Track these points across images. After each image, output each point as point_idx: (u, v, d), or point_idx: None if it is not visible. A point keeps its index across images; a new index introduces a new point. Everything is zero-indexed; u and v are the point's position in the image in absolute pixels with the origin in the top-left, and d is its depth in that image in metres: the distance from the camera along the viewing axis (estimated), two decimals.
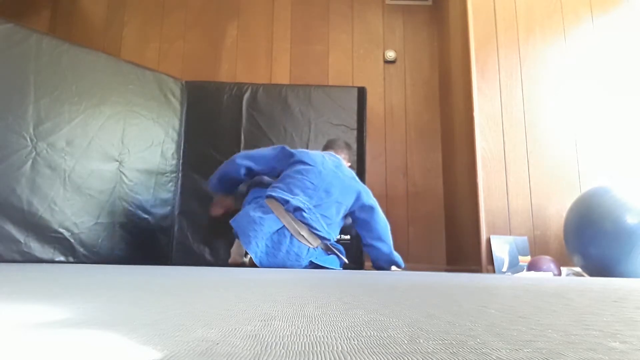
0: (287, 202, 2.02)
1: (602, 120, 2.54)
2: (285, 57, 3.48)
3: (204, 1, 3.58)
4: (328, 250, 2.12)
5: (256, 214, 2.02)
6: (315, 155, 2.21)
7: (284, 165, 2.20)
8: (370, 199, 2.20)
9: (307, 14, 3.56)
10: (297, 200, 2.02)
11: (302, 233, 2.02)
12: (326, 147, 2.46)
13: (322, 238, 2.07)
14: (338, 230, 2.20)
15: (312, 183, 2.09)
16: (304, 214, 2.01)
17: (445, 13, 3.29)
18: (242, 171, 2.25)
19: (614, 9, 2.66)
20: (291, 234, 2.00)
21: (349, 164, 2.46)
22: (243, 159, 2.26)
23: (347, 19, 3.56)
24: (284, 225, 2.00)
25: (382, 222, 2.20)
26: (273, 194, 2.06)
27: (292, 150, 2.23)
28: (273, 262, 2.01)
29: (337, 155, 2.33)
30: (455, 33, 3.00)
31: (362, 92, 3.00)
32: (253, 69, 3.45)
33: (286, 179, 2.12)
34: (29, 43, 2.18)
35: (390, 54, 3.48)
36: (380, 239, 2.19)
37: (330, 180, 2.12)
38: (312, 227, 2.02)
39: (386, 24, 3.56)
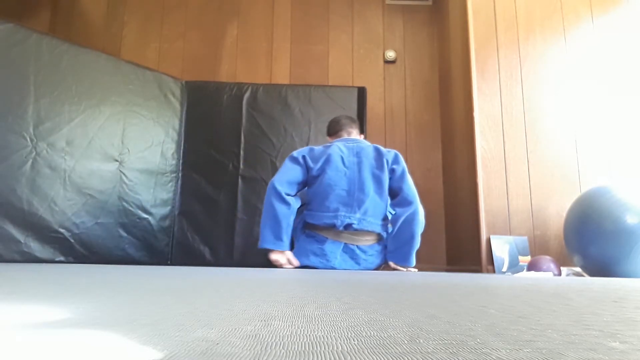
0: (333, 225, 1.97)
1: (602, 120, 2.54)
2: (285, 57, 3.48)
3: (204, 1, 3.58)
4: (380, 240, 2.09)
5: (313, 247, 1.99)
6: (331, 155, 2.03)
7: (306, 176, 2.05)
8: (398, 164, 2.07)
9: (307, 14, 3.56)
10: (341, 217, 1.97)
11: (365, 238, 2.01)
12: (334, 134, 2.24)
13: (380, 231, 2.05)
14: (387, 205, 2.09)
15: (344, 190, 1.99)
16: (355, 226, 1.97)
17: (445, 13, 3.29)
18: (292, 201, 1.99)
19: (614, 9, 2.66)
20: (357, 245, 1.99)
21: (363, 135, 2.33)
22: (283, 190, 1.96)
23: (347, 19, 3.56)
24: (346, 243, 1.99)
25: (411, 186, 2.05)
26: (316, 222, 2.01)
27: (308, 161, 2.04)
28: (357, 268, 2.01)
29: (351, 138, 2.18)
30: (455, 33, 3.00)
31: (362, 92, 3.00)
32: (253, 69, 3.45)
33: (318, 197, 2.01)
34: (29, 43, 2.18)
35: (390, 54, 3.48)
36: (408, 203, 2.00)
37: (359, 176, 2.01)
38: (368, 231, 2.01)
39: (386, 24, 3.56)
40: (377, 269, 2.09)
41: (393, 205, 2.06)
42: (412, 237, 2.00)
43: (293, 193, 2.03)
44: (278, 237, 1.94)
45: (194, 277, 1.13)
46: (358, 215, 1.97)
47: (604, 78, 2.58)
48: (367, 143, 2.17)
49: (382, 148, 2.12)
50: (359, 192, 1.99)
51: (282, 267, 1.97)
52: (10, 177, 2.06)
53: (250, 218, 2.74)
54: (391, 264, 2.07)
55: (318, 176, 2.02)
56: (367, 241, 2.02)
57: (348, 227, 1.98)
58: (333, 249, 1.98)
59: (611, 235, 1.89)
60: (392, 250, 2.03)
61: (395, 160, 2.09)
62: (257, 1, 3.58)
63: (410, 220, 2.00)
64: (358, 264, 2.01)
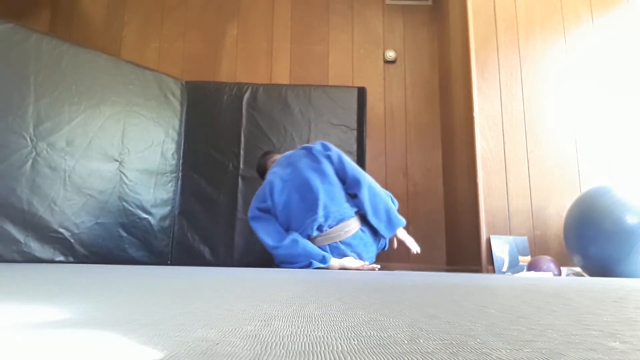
0: (308, 236, 1.98)
1: (602, 120, 2.54)
2: (285, 57, 3.48)
3: (204, 1, 3.58)
4: (365, 221, 2.06)
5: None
6: (270, 182, 2.06)
7: (273, 213, 2.08)
8: (330, 150, 2.11)
9: (307, 14, 3.56)
10: (310, 225, 1.96)
11: (345, 230, 1.99)
12: (265, 171, 2.29)
13: (356, 214, 2.04)
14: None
15: (297, 201, 1.99)
16: (324, 224, 1.97)
17: (445, 13, 3.29)
18: (289, 234, 2.02)
19: (614, 9, 2.66)
20: (340, 241, 1.99)
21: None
22: (279, 242, 1.98)
23: (347, 19, 3.56)
24: (328, 245, 1.99)
25: (353, 166, 2.08)
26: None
27: (261, 206, 2.08)
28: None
29: (276, 160, 2.23)
30: (455, 33, 3.00)
31: (362, 92, 3.00)
32: (253, 69, 3.45)
33: (285, 223, 2.03)
34: (29, 43, 2.18)
35: (390, 54, 3.48)
36: (357, 182, 2.02)
37: (301, 178, 2.02)
38: (340, 221, 1.99)
39: (386, 24, 3.56)
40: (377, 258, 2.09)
41: (347, 190, 2.06)
42: (385, 204, 2.03)
43: (285, 235, 2.02)
44: (319, 257, 1.93)
45: (194, 277, 1.13)
46: (321, 213, 1.96)
47: (604, 78, 2.58)
48: (293, 151, 2.20)
49: (307, 144, 2.17)
50: (308, 193, 1.99)
51: (362, 268, 1.95)
52: (10, 177, 2.06)
53: None
54: (397, 235, 2.05)
55: (275, 209, 2.04)
56: (347, 232, 2.00)
57: (320, 229, 1.97)
58: (317, 253, 1.96)
59: (611, 235, 1.89)
60: (383, 228, 2.03)
61: (325, 148, 2.12)
62: (257, 1, 3.58)
63: (373, 195, 2.02)
64: (360, 257, 2.01)
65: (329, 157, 2.08)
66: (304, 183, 2.01)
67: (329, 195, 2.00)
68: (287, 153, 2.23)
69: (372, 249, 2.06)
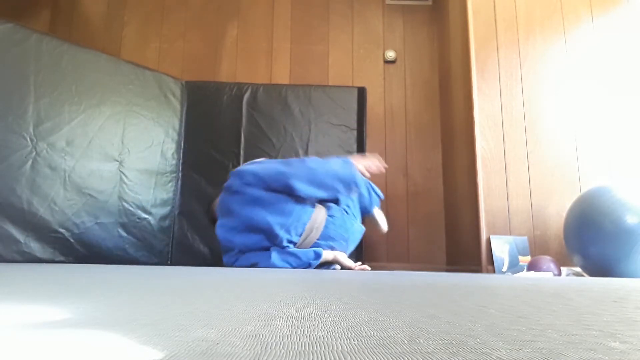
0: (285, 247, 1.99)
1: (602, 120, 2.54)
2: (285, 57, 3.48)
3: (204, 1, 3.58)
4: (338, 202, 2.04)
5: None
6: (220, 236, 2.04)
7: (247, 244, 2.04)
8: (240, 175, 2.03)
9: (307, 14, 3.56)
10: (282, 245, 1.95)
11: (315, 228, 1.98)
12: (215, 220, 2.20)
13: (315, 206, 2.03)
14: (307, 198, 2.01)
15: (257, 234, 1.95)
16: (291, 237, 1.95)
17: (445, 13, 3.29)
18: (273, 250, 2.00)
19: (614, 9, 2.66)
20: (317, 240, 1.98)
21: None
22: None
23: (347, 19, 3.56)
24: (315, 249, 1.99)
25: (270, 171, 2.00)
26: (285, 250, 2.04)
27: (232, 253, 2.07)
28: (346, 242, 2.02)
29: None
30: (455, 33, 3.00)
31: (362, 92, 3.00)
32: (253, 69, 3.45)
33: (264, 251, 2.03)
34: (29, 43, 2.18)
35: (390, 54, 3.48)
36: (286, 186, 1.93)
37: (243, 220, 1.96)
38: (305, 223, 1.97)
39: (386, 24, 3.56)
40: (366, 219, 2.09)
41: (290, 193, 1.99)
42: (327, 172, 1.98)
43: (269, 254, 1.99)
44: (312, 256, 1.92)
45: (194, 277, 1.13)
46: (281, 233, 1.92)
47: (604, 78, 2.58)
48: (222, 193, 2.12)
49: (226, 183, 2.09)
50: (258, 225, 1.94)
51: (354, 268, 1.97)
52: (10, 177, 2.06)
53: None
54: (360, 171, 2.03)
55: (245, 250, 2.01)
56: (318, 228, 1.97)
57: (291, 242, 1.95)
58: (308, 252, 1.96)
59: (611, 235, 1.89)
60: (344, 192, 2.00)
61: (240, 177, 2.04)
62: (257, 1, 3.58)
63: (309, 180, 1.96)
64: (344, 240, 2.00)
65: (248, 184, 2.00)
66: (248, 220, 1.96)
67: (278, 212, 1.94)
68: (218, 199, 2.14)
69: (350, 222, 2.03)
